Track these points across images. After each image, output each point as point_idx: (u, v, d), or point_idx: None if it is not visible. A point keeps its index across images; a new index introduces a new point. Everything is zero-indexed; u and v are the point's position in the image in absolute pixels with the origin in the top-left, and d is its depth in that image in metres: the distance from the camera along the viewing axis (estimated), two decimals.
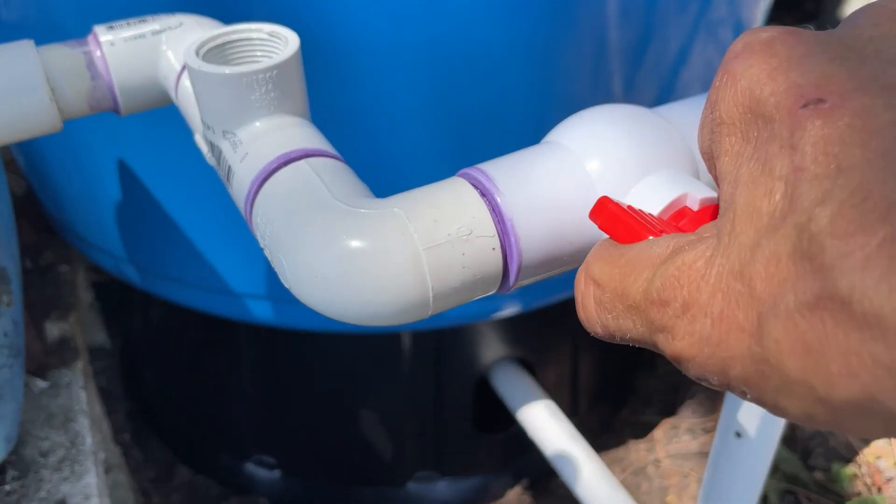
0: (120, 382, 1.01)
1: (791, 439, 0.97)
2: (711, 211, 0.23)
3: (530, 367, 0.89)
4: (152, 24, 0.38)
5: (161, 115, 0.42)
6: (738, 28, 0.67)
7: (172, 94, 0.37)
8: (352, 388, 0.88)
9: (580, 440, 0.78)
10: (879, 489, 0.91)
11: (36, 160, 0.70)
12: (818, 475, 0.93)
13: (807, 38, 0.16)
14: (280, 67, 0.29)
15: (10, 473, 0.62)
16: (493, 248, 0.24)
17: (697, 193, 0.23)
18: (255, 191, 0.27)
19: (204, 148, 0.33)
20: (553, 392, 0.86)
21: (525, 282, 0.26)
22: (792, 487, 0.91)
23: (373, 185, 0.29)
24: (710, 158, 0.18)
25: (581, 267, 0.21)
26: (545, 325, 0.88)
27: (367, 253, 0.23)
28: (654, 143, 0.26)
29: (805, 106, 0.14)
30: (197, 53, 0.30)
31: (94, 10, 0.50)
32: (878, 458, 0.94)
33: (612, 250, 0.20)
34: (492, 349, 0.86)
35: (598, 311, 0.19)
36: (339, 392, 0.89)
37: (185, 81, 0.35)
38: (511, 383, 0.84)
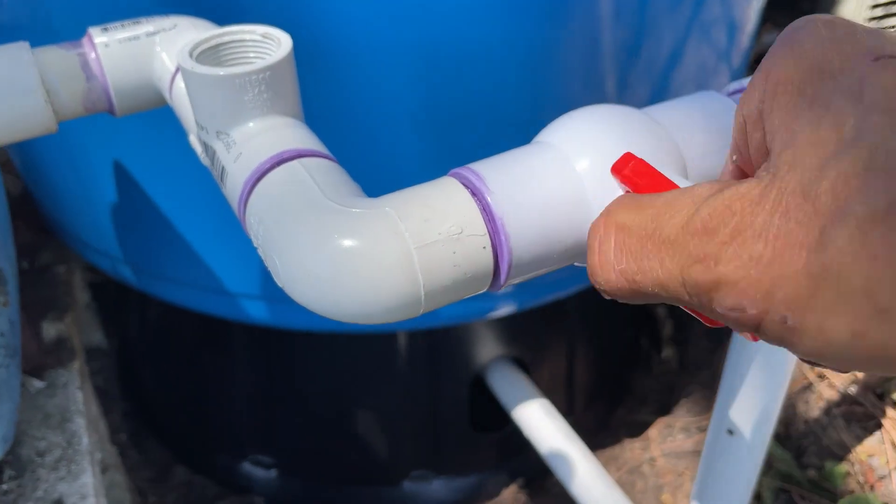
0: (116, 382, 1.01)
1: (785, 438, 0.98)
2: None
3: (525, 366, 0.89)
4: (146, 26, 0.38)
5: (156, 116, 0.43)
6: (732, 28, 0.67)
7: (167, 96, 0.38)
8: (347, 388, 0.88)
9: (575, 439, 0.79)
10: (872, 487, 0.91)
11: (32, 161, 0.70)
12: (811, 473, 0.93)
13: (855, 21, 0.18)
14: (273, 69, 0.29)
15: (7, 473, 0.62)
16: (484, 247, 0.24)
17: None
18: (249, 191, 0.28)
19: (198, 148, 0.33)
20: (548, 391, 0.86)
21: (516, 280, 0.26)
22: (785, 485, 0.92)
23: (366, 184, 0.29)
24: (757, 119, 0.19)
25: (599, 217, 0.20)
26: (540, 324, 0.89)
27: (358, 252, 0.24)
28: (643, 143, 0.26)
29: (876, 60, 0.16)
30: (191, 55, 0.30)
31: (89, 12, 0.50)
32: (871, 456, 0.95)
33: (640, 199, 0.20)
34: (487, 348, 0.86)
35: (617, 254, 0.19)
36: (335, 391, 0.89)
37: (180, 83, 0.36)
38: (506, 382, 0.85)
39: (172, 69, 0.37)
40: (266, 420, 0.91)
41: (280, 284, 0.26)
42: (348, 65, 0.51)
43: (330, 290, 0.24)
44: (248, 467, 0.94)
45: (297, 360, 0.86)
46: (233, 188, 0.29)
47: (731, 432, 0.58)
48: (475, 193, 0.25)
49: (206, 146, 0.31)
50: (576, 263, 0.27)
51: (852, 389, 1.03)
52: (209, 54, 0.31)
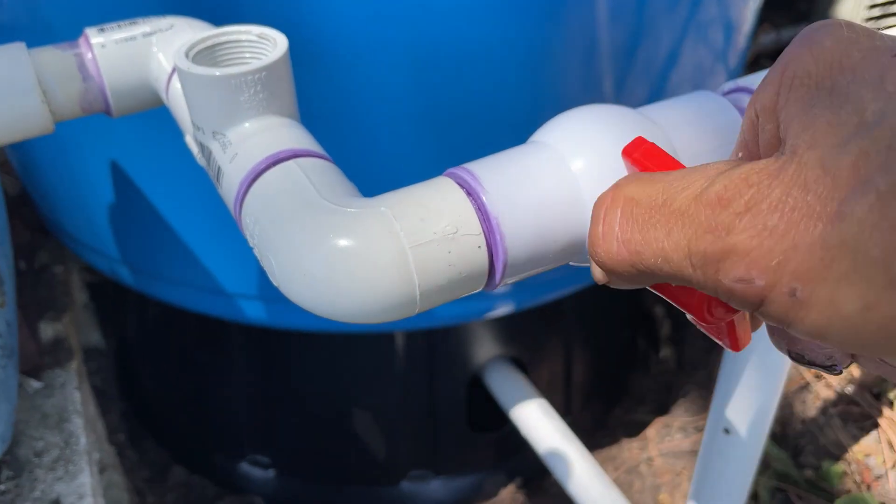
0: (115, 383, 1.01)
1: (781, 437, 0.98)
2: None
3: (523, 366, 0.89)
4: (143, 27, 0.38)
5: (153, 116, 0.43)
6: (728, 28, 0.67)
7: (163, 96, 0.38)
8: (345, 388, 0.88)
9: (573, 439, 0.79)
10: (868, 487, 0.91)
11: (29, 161, 0.70)
12: (808, 473, 0.93)
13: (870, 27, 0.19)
14: (269, 69, 0.30)
15: (5, 473, 0.62)
16: (479, 247, 0.25)
17: None
18: (245, 191, 0.28)
19: (194, 149, 0.33)
20: (546, 391, 0.86)
21: (511, 279, 0.26)
22: (782, 485, 0.92)
23: (362, 184, 0.29)
24: (771, 111, 0.19)
25: (607, 190, 0.20)
26: (538, 324, 0.89)
27: (354, 251, 0.24)
28: None
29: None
30: (186, 55, 0.30)
31: (86, 13, 0.50)
32: (868, 455, 0.95)
33: (651, 174, 0.20)
34: (485, 348, 0.86)
35: (623, 225, 0.19)
36: (333, 391, 0.89)
37: (176, 83, 0.36)
38: (504, 382, 0.85)
39: (169, 70, 0.37)
40: (264, 420, 0.91)
41: (276, 284, 0.26)
42: (344, 64, 0.51)
43: (325, 290, 0.24)
44: (246, 467, 0.94)
45: (294, 360, 0.86)
46: (229, 188, 0.29)
47: (727, 432, 0.58)
48: (470, 193, 0.25)
49: (202, 146, 0.31)
50: (571, 263, 0.27)
51: (849, 389, 1.03)
52: (205, 55, 0.31)
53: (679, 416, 1.02)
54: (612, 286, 0.22)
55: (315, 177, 0.27)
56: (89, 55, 0.38)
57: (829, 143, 0.16)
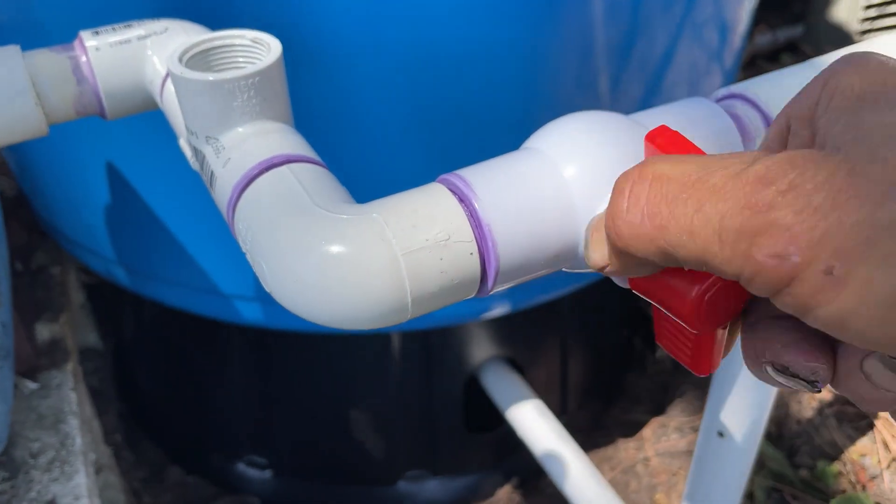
0: (111, 383, 1.01)
1: (777, 437, 0.98)
2: None
3: (519, 366, 0.89)
4: (138, 30, 0.38)
5: (148, 118, 0.43)
6: (724, 29, 0.67)
7: (158, 99, 0.38)
8: (342, 388, 0.89)
9: (568, 439, 0.79)
10: (864, 487, 0.92)
11: (25, 162, 0.70)
12: (804, 473, 0.94)
13: None
14: (262, 74, 0.30)
15: (0, 474, 0.62)
16: (471, 253, 0.25)
17: None
18: (237, 196, 0.28)
19: (188, 153, 0.33)
20: (542, 391, 0.87)
21: (503, 286, 0.26)
22: (778, 485, 0.92)
23: (356, 188, 0.29)
24: (807, 119, 0.20)
25: (632, 168, 0.20)
26: (534, 325, 0.89)
27: (345, 258, 0.24)
28: (630, 150, 0.26)
29: None
30: (180, 60, 0.30)
31: (80, 16, 0.50)
32: (863, 456, 0.95)
33: (683, 155, 0.19)
34: (481, 349, 0.86)
35: (650, 198, 0.19)
36: (330, 392, 0.89)
37: (170, 87, 0.36)
38: (500, 383, 0.85)
39: (163, 73, 0.37)
40: (261, 420, 0.91)
41: (268, 289, 0.26)
42: (339, 69, 0.51)
43: (317, 296, 0.24)
44: (242, 468, 0.94)
45: (291, 360, 0.87)
46: (222, 193, 0.29)
47: (721, 435, 0.58)
48: (462, 200, 0.25)
49: (195, 151, 0.31)
50: (564, 269, 0.27)
51: None
52: (199, 59, 0.31)
53: (675, 416, 1.02)
54: (609, 273, 0.22)
55: (308, 182, 0.27)
56: (83, 58, 0.38)
57: (876, 138, 0.16)
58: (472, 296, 0.26)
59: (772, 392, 0.55)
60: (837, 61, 0.20)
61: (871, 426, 0.99)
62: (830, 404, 1.02)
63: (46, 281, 0.82)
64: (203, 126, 0.30)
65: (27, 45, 0.38)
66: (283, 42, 0.32)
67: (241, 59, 0.32)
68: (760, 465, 0.93)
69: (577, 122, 0.27)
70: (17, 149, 0.68)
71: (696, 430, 1.00)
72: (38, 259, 0.84)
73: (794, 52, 1.46)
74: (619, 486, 0.96)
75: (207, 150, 0.30)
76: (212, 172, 0.30)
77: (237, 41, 0.32)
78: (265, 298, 0.66)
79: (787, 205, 0.16)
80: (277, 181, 0.27)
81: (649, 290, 0.22)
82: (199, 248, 0.65)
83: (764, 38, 1.42)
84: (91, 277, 0.97)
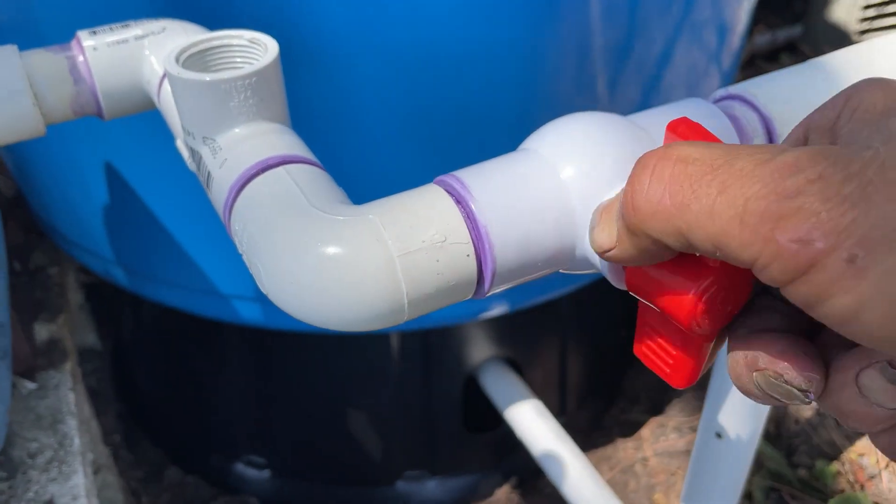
0: (110, 384, 1.01)
1: (776, 437, 0.98)
2: None
3: (518, 366, 0.89)
4: (135, 30, 0.38)
5: (146, 118, 0.43)
6: (722, 29, 0.67)
7: (155, 99, 0.38)
8: (341, 388, 0.88)
9: (567, 440, 0.79)
10: (862, 487, 0.92)
11: (23, 162, 0.70)
12: (802, 473, 0.94)
13: None
14: (259, 74, 0.30)
15: None
16: (468, 255, 0.25)
17: None
18: (234, 197, 0.28)
19: (185, 153, 0.33)
20: (541, 391, 0.87)
21: (500, 288, 0.26)
22: (776, 485, 0.92)
23: (353, 189, 0.29)
24: (827, 130, 0.20)
25: (656, 149, 0.20)
26: (533, 325, 0.89)
27: (341, 259, 0.24)
28: (628, 151, 0.26)
29: None
30: (177, 60, 0.30)
31: (78, 16, 0.50)
32: (861, 455, 0.95)
33: (708, 142, 0.19)
34: (480, 349, 0.86)
35: (674, 176, 0.19)
36: (328, 392, 0.89)
37: (167, 87, 0.36)
38: (499, 383, 0.85)
39: (161, 73, 0.37)
40: (259, 420, 0.91)
41: (264, 291, 0.26)
42: (338, 70, 0.51)
43: (313, 298, 0.24)
44: (241, 468, 0.94)
45: (289, 360, 0.86)
46: (218, 194, 0.29)
47: (719, 436, 0.58)
48: (459, 201, 0.25)
49: (192, 151, 0.31)
50: (561, 270, 0.27)
51: None
52: (196, 59, 0.31)
53: (674, 416, 1.02)
54: (612, 257, 0.22)
55: (304, 183, 0.27)
56: (81, 58, 0.38)
57: None
58: (469, 297, 0.26)
59: None
60: (860, 81, 0.20)
61: None
62: None
63: (44, 281, 0.82)
64: (200, 126, 0.30)
65: (25, 45, 0.38)
66: (282, 42, 0.32)
67: (238, 60, 0.32)
68: (759, 464, 0.93)
69: (574, 123, 0.27)
70: (14, 149, 0.68)
71: (694, 429, 1.00)
72: (36, 259, 0.84)
73: (792, 52, 1.46)
74: (617, 486, 0.96)
75: (204, 151, 0.30)
76: (208, 173, 0.30)
77: (234, 41, 0.32)
78: (264, 299, 0.66)
79: (815, 192, 0.16)
80: (274, 182, 0.27)
81: (646, 288, 0.22)
82: (198, 248, 0.65)
83: (763, 39, 1.42)
84: (90, 278, 0.97)
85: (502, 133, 0.56)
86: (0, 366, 0.58)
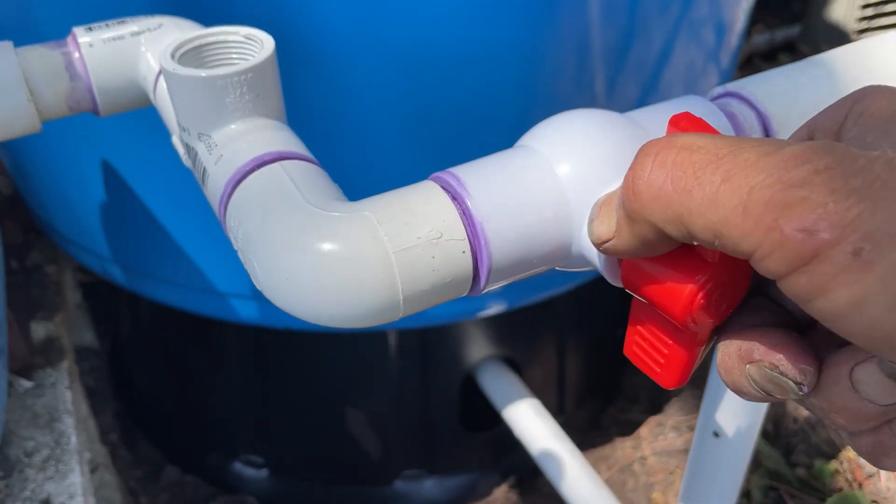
0: (108, 382, 1.01)
1: (774, 436, 0.98)
2: None
3: (516, 365, 0.89)
4: (131, 26, 0.38)
5: (143, 115, 0.43)
6: (721, 28, 0.67)
7: (151, 96, 0.37)
8: (338, 387, 0.88)
9: (565, 439, 0.79)
10: (861, 485, 0.92)
11: (20, 160, 0.70)
12: (800, 471, 0.94)
13: None
14: (255, 70, 0.29)
15: None
16: (464, 251, 0.24)
17: None
18: (229, 193, 0.28)
19: (181, 149, 0.33)
20: (539, 390, 0.86)
21: (496, 284, 0.26)
22: (774, 484, 0.92)
23: (350, 186, 0.29)
24: (833, 132, 0.20)
25: (659, 138, 0.20)
26: (531, 323, 0.89)
27: (337, 256, 0.23)
28: (624, 148, 0.26)
29: None
30: (172, 56, 0.30)
31: (74, 12, 0.50)
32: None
33: (713, 134, 0.19)
34: (478, 348, 0.86)
35: (677, 163, 0.18)
36: (326, 391, 0.89)
37: (163, 83, 0.36)
38: (497, 382, 0.85)
39: (157, 69, 0.37)
40: (257, 420, 0.91)
41: (259, 287, 0.26)
42: (333, 66, 0.51)
43: (308, 294, 0.24)
44: (239, 467, 0.94)
45: (287, 359, 0.86)
46: (214, 190, 0.29)
47: (717, 435, 0.58)
48: (455, 198, 0.25)
49: (188, 147, 0.31)
50: (557, 268, 0.27)
51: None
52: (191, 55, 0.31)
53: (672, 415, 1.02)
54: (610, 248, 0.21)
55: (300, 180, 0.27)
56: (77, 54, 0.38)
57: None
58: (465, 294, 0.26)
59: None
60: (867, 86, 0.20)
61: None
62: None
63: (42, 279, 0.82)
64: (195, 123, 0.30)
65: (20, 42, 0.38)
66: (282, 42, 0.32)
67: (234, 56, 0.32)
68: (757, 463, 0.93)
69: (571, 120, 0.27)
70: (11, 146, 0.68)
71: (692, 428, 1.00)
72: (33, 257, 0.84)
73: (791, 52, 1.46)
74: (615, 486, 0.95)
75: (200, 147, 0.30)
76: (204, 169, 0.30)
77: (230, 38, 0.32)
78: (261, 297, 0.66)
79: (822, 183, 0.16)
80: (269, 178, 0.27)
81: (642, 284, 0.22)
82: (195, 246, 0.65)
83: (761, 38, 1.42)
84: (87, 276, 0.96)
85: (502, 132, 0.56)
86: None
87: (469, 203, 0.25)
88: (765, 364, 0.20)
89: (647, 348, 0.23)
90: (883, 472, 0.93)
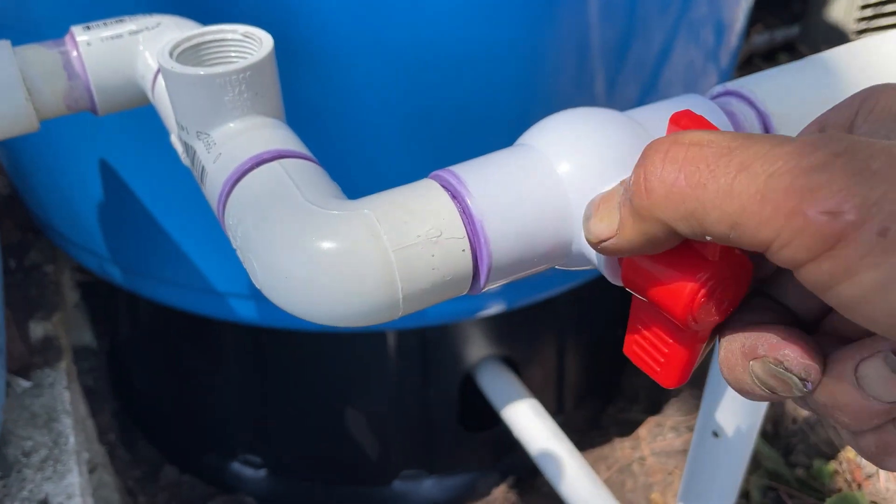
0: (106, 382, 1.00)
1: (773, 436, 0.98)
2: None
3: (515, 365, 0.89)
4: (129, 25, 0.38)
5: (141, 114, 0.42)
6: (720, 28, 0.67)
7: (149, 95, 0.37)
8: (337, 387, 0.88)
9: (563, 439, 0.79)
10: (860, 486, 0.92)
11: (18, 159, 0.70)
12: (799, 472, 0.94)
13: None
14: (253, 68, 0.29)
15: None
16: (463, 250, 0.24)
17: None
18: (228, 191, 0.27)
19: (179, 148, 0.33)
20: (538, 390, 0.86)
21: (495, 283, 0.26)
22: (773, 484, 0.92)
23: (354, 188, 0.29)
24: (843, 127, 0.20)
25: (665, 137, 0.19)
26: (530, 323, 0.89)
27: (336, 254, 0.23)
28: (625, 146, 0.26)
29: None
30: (171, 54, 0.30)
31: (72, 11, 0.50)
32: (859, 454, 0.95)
33: (719, 130, 0.19)
34: (477, 348, 0.86)
35: (689, 159, 0.18)
36: (325, 391, 0.89)
37: (162, 82, 0.35)
38: (496, 382, 0.85)
39: (155, 68, 0.37)
40: (256, 420, 0.91)
41: (258, 286, 0.26)
42: (333, 65, 0.51)
43: (307, 293, 0.24)
44: (238, 467, 0.94)
45: (286, 359, 0.86)
46: (212, 188, 0.29)
47: (716, 435, 0.58)
48: (455, 196, 0.25)
49: (186, 146, 0.31)
50: (557, 266, 0.27)
51: None
52: (190, 54, 0.31)
53: (671, 416, 1.02)
54: (610, 247, 0.21)
55: (299, 178, 0.27)
56: (74, 53, 0.37)
57: None
58: (465, 293, 0.26)
59: None
60: (876, 84, 0.21)
61: None
62: None
63: (40, 279, 0.81)
64: (194, 121, 0.30)
65: (18, 41, 0.38)
66: (281, 41, 0.31)
67: (232, 54, 0.31)
68: (756, 464, 0.93)
69: (571, 119, 0.27)
70: (9, 145, 0.68)
71: (691, 429, 1.00)
72: (31, 257, 0.84)
73: (790, 52, 1.46)
74: (614, 486, 0.95)
75: (198, 146, 0.30)
76: (202, 168, 0.30)
77: (229, 36, 0.31)
78: (260, 296, 0.66)
79: (842, 165, 0.16)
80: (268, 176, 0.27)
81: (642, 282, 0.22)
82: (194, 245, 0.65)
83: (761, 38, 1.42)
84: (86, 276, 0.96)
85: (502, 132, 0.56)
86: None
87: (469, 201, 0.25)
88: (769, 360, 0.19)
89: (647, 347, 0.23)
90: (882, 473, 0.93)
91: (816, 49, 1.38)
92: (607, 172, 0.25)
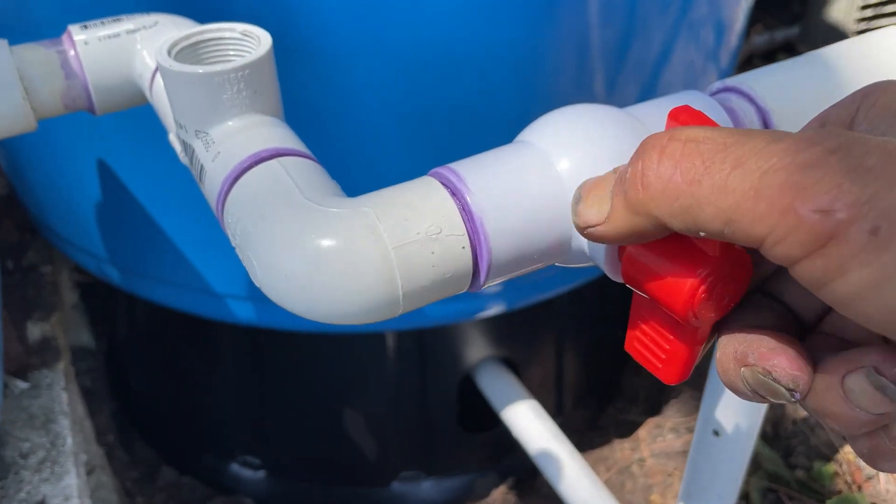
0: (104, 383, 1.00)
1: (773, 437, 0.98)
2: None
3: (515, 366, 0.89)
4: (127, 24, 0.38)
5: (139, 114, 0.42)
6: (720, 28, 0.67)
7: (147, 94, 0.37)
8: (336, 388, 0.88)
9: (563, 440, 0.79)
10: (860, 487, 0.92)
11: (16, 160, 0.69)
12: (800, 473, 0.93)
13: None
14: (252, 66, 0.29)
15: None
16: (463, 247, 0.24)
17: None
18: (227, 190, 0.27)
19: (177, 147, 0.33)
20: (538, 391, 0.86)
21: (495, 280, 0.26)
22: (773, 486, 0.92)
23: (349, 183, 0.29)
24: (845, 123, 0.21)
25: (661, 132, 0.19)
26: (529, 324, 0.89)
27: (336, 252, 0.23)
28: (624, 143, 0.26)
29: None
30: (169, 53, 0.30)
31: (70, 10, 0.50)
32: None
33: (715, 127, 0.19)
34: (476, 349, 0.86)
35: (685, 154, 0.18)
36: (324, 392, 0.88)
37: (160, 81, 0.35)
38: (495, 383, 0.85)
39: (153, 67, 0.37)
40: (254, 421, 0.91)
41: (257, 284, 0.25)
42: (336, 69, 0.51)
43: (307, 291, 0.24)
44: (236, 468, 0.93)
45: (284, 360, 0.86)
46: (211, 187, 0.29)
47: (716, 434, 0.58)
48: (455, 193, 0.25)
49: (185, 145, 0.31)
50: (556, 263, 0.27)
51: None
52: (188, 52, 0.31)
53: (671, 417, 1.02)
54: (599, 233, 0.21)
55: (298, 176, 0.26)
56: (72, 52, 0.37)
57: None
58: (465, 290, 0.26)
59: None
60: (877, 81, 0.21)
61: None
62: None
63: (38, 280, 0.81)
64: (192, 120, 0.30)
65: (15, 40, 0.37)
66: (281, 41, 0.31)
67: (231, 53, 0.31)
68: (756, 465, 0.93)
69: (570, 115, 0.27)
70: (6, 145, 0.68)
71: (691, 430, 0.99)
72: (29, 258, 0.84)
73: (790, 53, 1.46)
74: (614, 487, 0.95)
75: (197, 144, 0.30)
76: (201, 166, 0.30)
77: (227, 34, 0.31)
78: (258, 297, 0.66)
79: (836, 163, 0.16)
80: (267, 175, 0.27)
81: (643, 278, 0.22)
82: (192, 246, 0.64)
83: (761, 39, 1.43)
84: (84, 276, 0.96)
85: (501, 132, 0.56)
86: None
87: (468, 198, 0.24)
88: (758, 369, 0.19)
89: (648, 344, 0.23)
90: (882, 474, 0.93)
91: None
92: (606, 169, 0.25)
